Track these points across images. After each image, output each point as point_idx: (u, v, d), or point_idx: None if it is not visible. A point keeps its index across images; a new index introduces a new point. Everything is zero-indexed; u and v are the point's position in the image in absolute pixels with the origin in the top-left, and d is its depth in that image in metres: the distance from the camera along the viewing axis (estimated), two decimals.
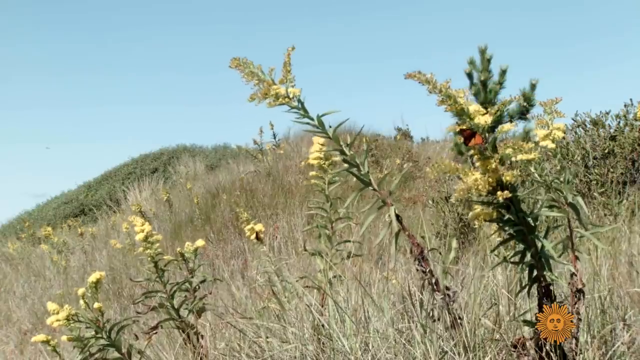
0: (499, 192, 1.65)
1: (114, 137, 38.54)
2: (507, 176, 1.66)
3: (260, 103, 1.92)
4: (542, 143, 1.75)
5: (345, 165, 2.03)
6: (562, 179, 1.77)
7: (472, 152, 1.71)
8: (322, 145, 2.85)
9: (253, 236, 3.53)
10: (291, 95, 1.93)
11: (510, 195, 1.66)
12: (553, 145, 1.75)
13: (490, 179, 1.66)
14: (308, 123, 1.99)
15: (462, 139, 1.69)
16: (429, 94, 1.65)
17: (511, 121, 1.76)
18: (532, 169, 1.75)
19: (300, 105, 1.97)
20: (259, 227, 3.58)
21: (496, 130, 1.71)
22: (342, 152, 2.01)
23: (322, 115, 1.98)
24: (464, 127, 1.68)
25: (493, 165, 1.67)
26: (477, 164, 1.71)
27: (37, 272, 9.87)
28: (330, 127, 2.00)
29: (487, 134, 1.68)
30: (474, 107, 1.66)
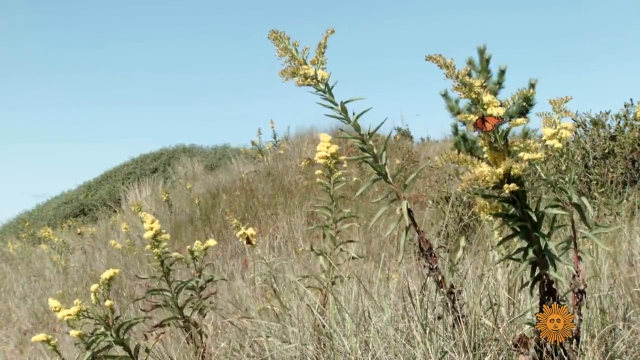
0: (505, 185, 1.65)
1: (114, 137, 38.48)
2: (515, 169, 1.65)
3: (288, 80, 1.93)
4: (549, 142, 1.74)
5: (365, 154, 2.03)
6: (567, 179, 1.77)
7: (482, 142, 1.71)
8: (329, 142, 2.84)
9: (245, 241, 3.56)
10: (319, 78, 1.94)
11: (517, 188, 1.66)
12: (560, 145, 1.74)
13: (498, 171, 1.65)
14: (332, 107, 2.00)
15: (477, 126, 1.68)
16: (445, 78, 1.66)
17: (511, 118, 1.75)
18: (539, 168, 1.75)
19: (327, 89, 1.97)
20: (250, 231, 3.60)
21: (509, 122, 1.71)
22: (362, 142, 2.02)
23: (346, 102, 1.99)
24: (477, 118, 1.68)
25: (503, 157, 1.67)
26: (486, 155, 1.71)
27: (37, 272, 9.87)
28: (354, 114, 2.01)
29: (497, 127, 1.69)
30: (488, 97, 1.67)
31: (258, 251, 3.56)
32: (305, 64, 1.95)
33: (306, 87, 1.97)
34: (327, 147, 2.84)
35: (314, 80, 1.94)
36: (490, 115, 1.66)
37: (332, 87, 1.99)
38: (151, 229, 2.77)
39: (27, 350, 6.24)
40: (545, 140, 1.75)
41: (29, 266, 10.48)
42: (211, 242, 3.09)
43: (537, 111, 1.85)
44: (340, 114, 2.00)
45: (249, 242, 3.60)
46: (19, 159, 33.31)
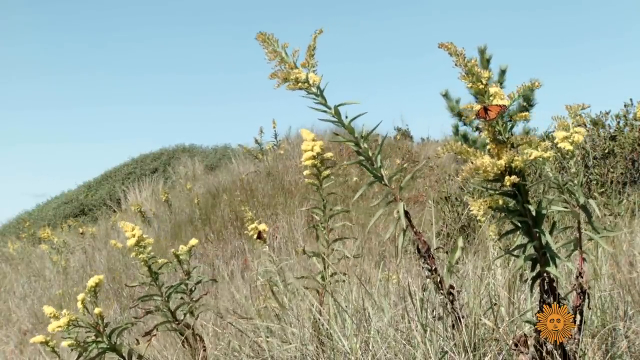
0: (506, 177, 1.65)
1: (114, 137, 38.51)
2: (517, 161, 1.65)
3: (280, 86, 1.89)
4: (560, 144, 1.75)
5: (360, 157, 2.02)
6: (576, 181, 1.77)
7: (485, 133, 1.71)
8: (313, 140, 2.75)
9: (256, 235, 3.52)
10: (311, 82, 1.91)
11: (518, 180, 1.66)
12: (571, 148, 1.75)
13: (500, 162, 1.65)
14: (325, 111, 1.97)
15: (479, 116, 1.68)
16: (454, 66, 1.66)
17: (510, 120, 1.76)
18: (547, 168, 1.75)
19: (319, 93, 1.95)
20: (262, 226, 3.57)
21: (513, 116, 1.72)
22: (357, 145, 1.99)
23: (340, 105, 1.96)
24: (481, 107, 1.67)
25: (506, 149, 1.67)
26: (489, 146, 1.71)
27: (37, 272, 9.86)
28: (346, 117, 1.99)
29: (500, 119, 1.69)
30: (495, 88, 1.67)
31: (266, 248, 3.54)
32: (296, 67, 1.91)
33: (299, 91, 1.94)
34: (312, 146, 2.75)
35: (306, 84, 1.90)
36: (494, 104, 1.66)
37: (324, 89, 1.95)
38: (133, 236, 2.74)
39: (27, 350, 6.24)
40: (557, 142, 1.76)
41: (29, 266, 10.48)
42: (193, 241, 3.06)
43: (538, 111, 1.86)
44: (334, 117, 1.97)
45: (260, 237, 3.57)
46: (19, 159, 33.34)
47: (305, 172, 2.84)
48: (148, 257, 2.77)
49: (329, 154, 2.79)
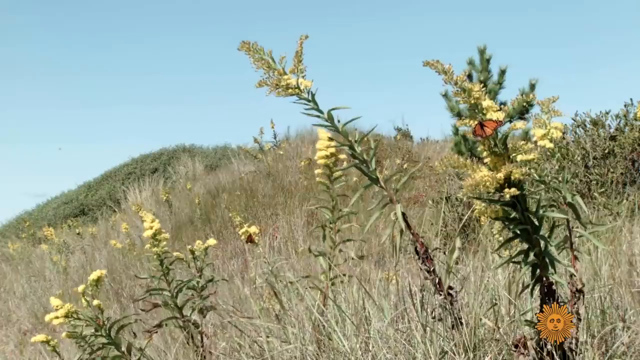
0: (506, 190, 1.65)
1: (114, 137, 38.53)
2: (516, 173, 1.65)
3: (271, 93, 1.87)
4: (540, 143, 1.73)
5: (355, 161, 2.01)
6: (560, 179, 1.76)
7: (481, 147, 1.71)
8: (329, 139, 2.74)
9: (247, 239, 3.52)
10: (302, 87, 1.90)
11: (517, 192, 1.65)
12: (551, 145, 1.73)
13: (499, 176, 1.65)
14: (318, 116, 1.96)
15: (476, 134, 1.67)
16: (444, 84, 1.66)
17: (510, 121, 1.75)
18: (532, 170, 1.74)
19: (311, 98, 1.93)
20: (252, 229, 3.56)
21: (509, 126, 1.71)
22: (352, 148, 1.98)
23: (332, 110, 1.95)
24: (476, 124, 1.67)
25: (503, 162, 1.66)
26: (487, 160, 1.71)
27: (37, 272, 9.86)
28: (339, 122, 1.98)
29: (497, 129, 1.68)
30: (487, 102, 1.66)
31: (260, 250, 3.54)
32: (285, 73, 1.89)
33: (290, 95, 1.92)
34: (327, 146, 2.73)
35: (297, 89, 1.89)
36: (489, 119, 1.65)
37: (315, 94, 1.94)
38: (151, 227, 2.75)
39: (27, 350, 6.24)
40: (536, 141, 1.74)
41: (29, 266, 10.48)
42: (211, 241, 3.07)
43: (535, 112, 1.84)
44: (327, 121, 1.96)
45: (251, 240, 3.56)
46: (19, 159, 33.35)
47: (317, 171, 2.81)
48: (162, 251, 2.77)
49: (342, 155, 2.76)
